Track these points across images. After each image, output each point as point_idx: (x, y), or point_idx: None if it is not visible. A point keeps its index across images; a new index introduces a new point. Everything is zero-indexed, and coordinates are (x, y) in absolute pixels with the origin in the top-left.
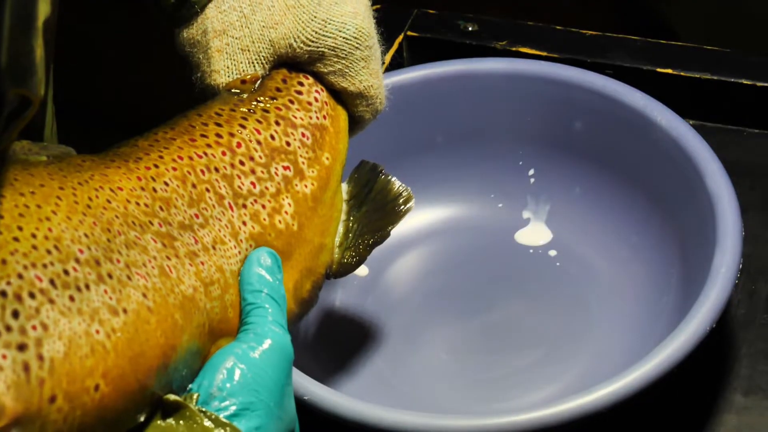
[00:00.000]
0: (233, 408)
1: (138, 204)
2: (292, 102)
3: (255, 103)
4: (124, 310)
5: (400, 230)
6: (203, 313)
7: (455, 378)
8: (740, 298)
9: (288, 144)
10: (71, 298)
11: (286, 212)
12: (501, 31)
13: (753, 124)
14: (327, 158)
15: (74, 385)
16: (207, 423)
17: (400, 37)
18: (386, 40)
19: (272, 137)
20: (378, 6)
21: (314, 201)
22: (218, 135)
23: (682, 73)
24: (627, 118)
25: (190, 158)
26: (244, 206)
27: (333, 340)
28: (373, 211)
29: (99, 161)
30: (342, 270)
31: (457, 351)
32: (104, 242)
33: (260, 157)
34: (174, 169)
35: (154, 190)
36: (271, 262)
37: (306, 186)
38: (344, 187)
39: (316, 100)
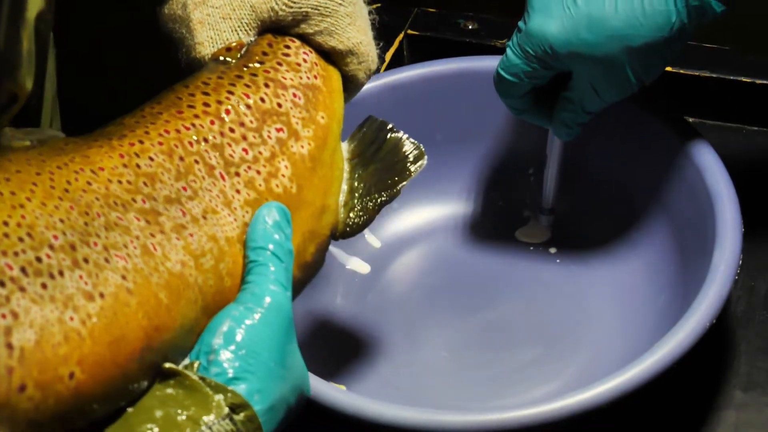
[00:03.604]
0: (231, 372)
1: (120, 182)
2: (280, 64)
3: (242, 68)
4: (101, 295)
5: (400, 228)
6: (194, 289)
7: (455, 375)
8: (739, 294)
9: (279, 105)
10: (43, 286)
11: (283, 175)
12: (500, 30)
13: (752, 121)
14: (322, 117)
15: (46, 373)
16: (206, 389)
17: (401, 36)
18: (386, 38)
19: (262, 100)
20: (378, 5)
21: (312, 161)
22: (206, 104)
23: (681, 71)
24: (626, 116)
25: (177, 131)
26: (237, 174)
27: (334, 337)
28: (383, 169)
29: (81, 143)
30: (349, 230)
31: (457, 348)
32: (81, 226)
33: (251, 122)
34: (160, 143)
35: (138, 166)
36: (279, 217)
37: (302, 146)
38: (345, 146)
39: (305, 60)
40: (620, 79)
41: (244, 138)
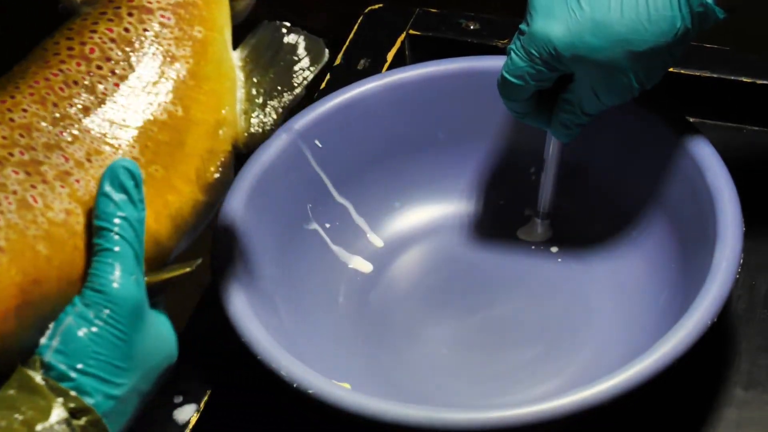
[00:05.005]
0: (73, 374)
1: None
2: None
3: (107, 4)
4: None
5: (401, 227)
6: (80, 236)
7: (456, 373)
8: (740, 293)
9: (146, 30)
10: None
11: (165, 100)
12: (502, 30)
13: (753, 121)
14: (199, 31)
15: None
16: (48, 392)
17: (402, 36)
18: (388, 38)
19: (126, 30)
20: (380, 5)
21: (195, 78)
22: (70, 48)
23: (682, 71)
24: (627, 116)
25: (47, 79)
26: (114, 110)
27: (336, 336)
28: (282, 71)
29: None
30: (252, 139)
31: (458, 346)
32: None
33: (118, 54)
34: (31, 94)
35: (12, 120)
36: (125, 181)
37: (180, 66)
38: (237, 54)
39: None
40: (622, 84)
41: (113, 72)
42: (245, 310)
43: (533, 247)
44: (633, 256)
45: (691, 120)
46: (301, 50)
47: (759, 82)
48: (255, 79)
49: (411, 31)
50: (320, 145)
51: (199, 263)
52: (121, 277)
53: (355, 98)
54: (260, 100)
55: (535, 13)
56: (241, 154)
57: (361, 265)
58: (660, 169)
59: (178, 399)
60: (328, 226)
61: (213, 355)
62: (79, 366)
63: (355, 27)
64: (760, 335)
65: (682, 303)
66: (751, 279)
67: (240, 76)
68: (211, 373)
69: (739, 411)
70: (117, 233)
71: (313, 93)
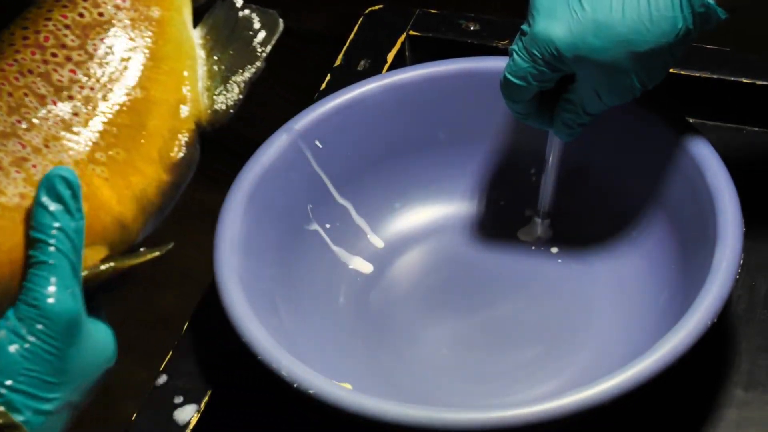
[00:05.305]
0: (3, 390)
1: None
2: None
3: None
4: None
5: (402, 228)
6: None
7: (457, 373)
8: (740, 293)
9: (101, 15)
10: None
11: (124, 82)
12: (502, 31)
13: (753, 122)
14: (157, 11)
15: None
16: None
17: (402, 37)
18: (389, 39)
19: (81, 15)
20: (380, 6)
21: (154, 59)
22: (24, 38)
23: (682, 72)
24: (627, 116)
25: (2, 70)
26: (71, 97)
27: (336, 336)
28: (241, 47)
29: None
30: (216, 116)
31: (458, 346)
32: None
33: (73, 41)
34: None
35: None
36: (61, 191)
37: (138, 47)
38: (197, 32)
39: None
40: (624, 85)
41: (69, 59)
42: (246, 311)
43: (533, 247)
44: (633, 257)
45: (691, 121)
46: (256, 24)
47: (759, 82)
48: (215, 57)
49: (411, 32)
50: (320, 146)
51: (170, 248)
52: (56, 291)
53: (356, 99)
54: (222, 77)
55: (537, 14)
56: (206, 132)
57: (362, 265)
58: (660, 169)
59: (179, 399)
60: (328, 226)
61: (213, 356)
62: (9, 383)
63: (356, 28)
64: (760, 335)
65: (682, 303)
66: (751, 279)
67: (201, 54)
68: (212, 374)
69: (739, 411)
70: (53, 245)
71: (313, 93)
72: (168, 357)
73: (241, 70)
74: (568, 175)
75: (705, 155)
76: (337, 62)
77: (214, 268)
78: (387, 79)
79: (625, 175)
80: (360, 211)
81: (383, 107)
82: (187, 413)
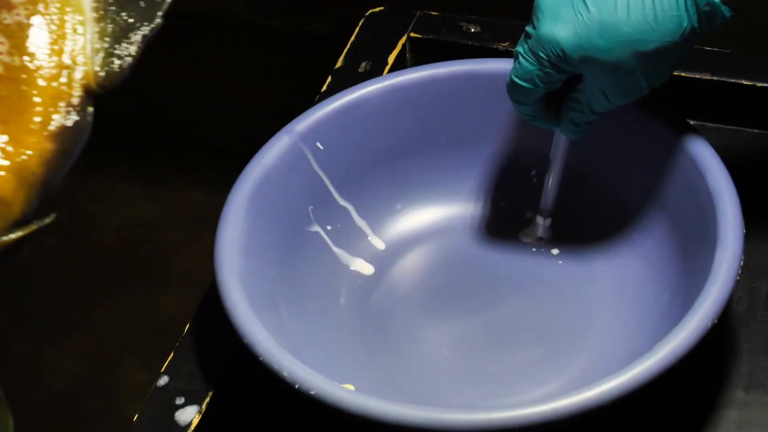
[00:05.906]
0: None
1: None
2: None
3: None
4: None
5: (403, 230)
6: None
7: (458, 374)
8: (741, 295)
9: None
10: None
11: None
12: (503, 33)
13: (753, 123)
14: None
15: None
16: None
17: (403, 39)
18: (389, 41)
19: None
20: (381, 8)
21: (21, 30)
22: None
23: (682, 74)
24: (628, 117)
25: None
26: None
27: (337, 337)
28: (136, 3)
29: None
30: (109, 78)
31: (460, 347)
32: None
33: None
34: None
35: None
36: None
37: (16, 9)
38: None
39: None
40: (630, 84)
41: None
42: (247, 312)
43: (534, 249)
44: (634, 258)
45: (692, 122)
46: None
47: (759, 84)
48: (110, 18)
49: (412, 34)
50: (321, 148)
51: (53, 219)
52: None
53: (357, 100)
54: (115, 37)
55: (542, 16)
56: (99, 95)
57: (363, 267)
58: (661, 171)
59: (180, 400)
60: (329, 228)
61: (215, 357)
62: None
63: (356, 30)
64: (760, 336)
65: (682, 304)
66: (751, 281)
67: (91, 14)
68: (213, 375)
69: (739, 412)
70: None
71: (314, 95)
72: (169, 358)
73: (136, 29)
74: (569, 176)
75: (706, 157)
76: (338, 64)
77: (215, 269)
78: (388, 81)
79: (625, 177)
80: (361, 213)
81: (384, 109)
82: (189, 414)
